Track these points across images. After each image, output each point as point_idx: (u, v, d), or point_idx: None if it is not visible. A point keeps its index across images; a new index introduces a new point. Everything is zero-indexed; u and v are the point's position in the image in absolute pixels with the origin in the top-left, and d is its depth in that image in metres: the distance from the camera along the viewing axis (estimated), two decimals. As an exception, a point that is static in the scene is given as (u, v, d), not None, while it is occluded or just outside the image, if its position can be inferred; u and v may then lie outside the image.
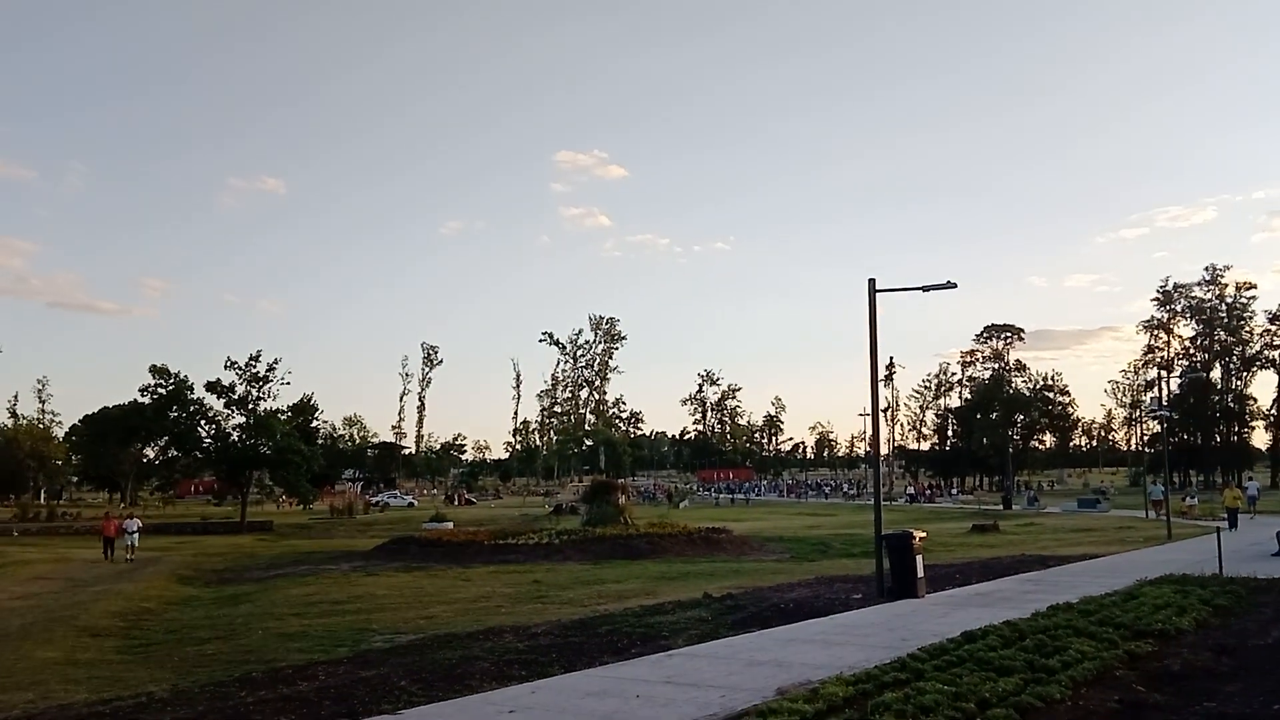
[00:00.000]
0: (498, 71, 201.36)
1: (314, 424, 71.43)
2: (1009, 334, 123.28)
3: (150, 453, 72.13)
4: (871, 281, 17.31)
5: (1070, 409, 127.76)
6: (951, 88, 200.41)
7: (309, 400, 67.59)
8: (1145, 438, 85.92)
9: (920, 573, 16.17)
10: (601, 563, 27.36)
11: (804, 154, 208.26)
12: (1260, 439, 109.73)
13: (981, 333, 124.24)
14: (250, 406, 61.57)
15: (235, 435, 61.86)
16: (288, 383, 69.51)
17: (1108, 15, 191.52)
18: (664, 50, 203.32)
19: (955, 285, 17.01)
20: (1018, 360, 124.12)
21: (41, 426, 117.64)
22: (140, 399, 64.08)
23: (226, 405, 61.52)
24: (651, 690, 8.97)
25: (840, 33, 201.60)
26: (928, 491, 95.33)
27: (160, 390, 60.98)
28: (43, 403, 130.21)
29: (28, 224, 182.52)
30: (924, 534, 17.45)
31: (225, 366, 61.46)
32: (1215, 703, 7.86)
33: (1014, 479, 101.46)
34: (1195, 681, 8.73)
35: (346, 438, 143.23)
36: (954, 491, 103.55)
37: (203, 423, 62.30)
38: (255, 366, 61.59)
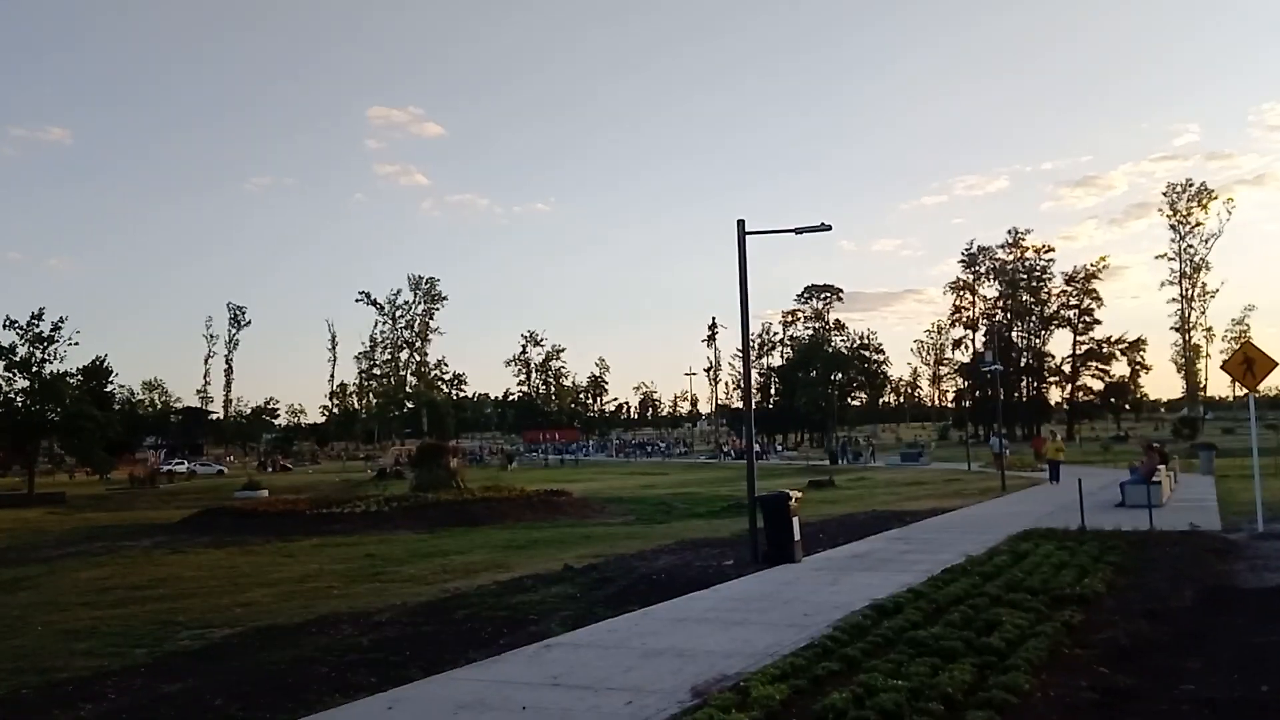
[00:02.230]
0: (305, 21, 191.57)
1: (109, 388, 66.23)
2: (828, 294, 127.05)
3: (-81, 420, 64.69)
4: (740, 223, 16.04)
5: (885, 367, 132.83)
6: (777, 68, 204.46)
7: (102, 362, 62.75)
8: (952, 394, 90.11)
9: (797, 535, 15.15)
10: (438, 531, 25.56)
11: (621, 115, 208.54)
12: (1056, 394, 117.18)
13: (802, 293, 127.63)
14: (34, 369, 56.03)
15: (19, 400, 56.24)
16: (76, 344, 63.83)
17: (913, 4, 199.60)
18: (482, 5, 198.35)
19: (830, 228, 15.95)
20: (837, 320, 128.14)
21: None
22: (-96, 360, 57.32)
23: (7, 368, 55.87)
24: (539, 698, 7.36)
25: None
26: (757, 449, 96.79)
27: (-72, 350, 54.65)
28: None
29: None
30: (800, 493, 16.42)
31: (3, 326, 55.66)
32: (1193, 685, 6.93)
33: (838, 435, 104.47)
34: (1152, 657, 7.84)
35: (147, 403, 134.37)
36: (779, 448, 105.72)
37: (-19, 387, 56.36)
38: (38, 326, 55.99)
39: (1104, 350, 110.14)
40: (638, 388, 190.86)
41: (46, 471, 63.72)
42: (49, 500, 53.06)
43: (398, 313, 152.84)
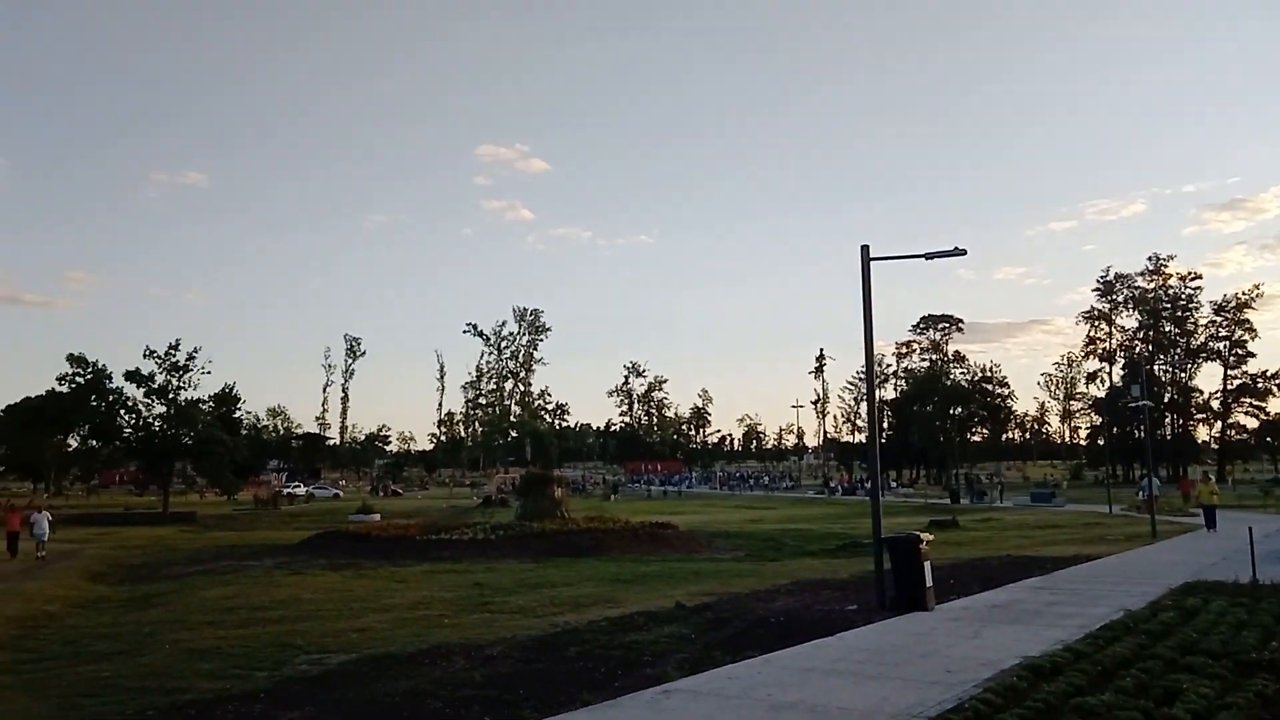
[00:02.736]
0: (419, 66, 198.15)
1: (237, 414, 68.86)
2: (947, 325, 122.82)
3: (73, 442, 68.73)
4: (864, 249, 15.31)
5: (1009, 401, 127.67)
6: (879, 84, 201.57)
7: (231, 390, 65.32)
8: (1086, 431, 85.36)
9: (929, 581, 14.22)
10: (543, 561, 25.23)
11: (726, 149, 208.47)
12: (1204, 432, 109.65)
13: (918, 323, 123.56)
14: (171, 396, 58.72)
15: (157, 425, 58.91)
16: (208, 372, 66.83)
17: (1037, 10, 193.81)
18: (586, 45, 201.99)
19: (964, 252, 15.08)
20: (957, 351, 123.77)
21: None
22: (58, 388, 60.96)
23: (146, 395, 58.72)
24: (662, 752, 6.81)
25: (765, 32, 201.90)
26: (867, 483, 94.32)
27: (78, 379, 58.01)
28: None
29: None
30: (930, 536, 15.47)
31: (144, 355, 58.64)
32: None
33: (959, 472, 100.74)
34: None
35: (271, 428, 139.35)
36: (893, 484, 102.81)
37: (123, 412, 59.34)
38: (175, 355, 58.82)
39: (1259, 385, 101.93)
40: (741, 419, 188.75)
41: (179, 492, 66.23)
42: (181, 519, 55.11)
43: (503, 343, 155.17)
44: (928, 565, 14.36)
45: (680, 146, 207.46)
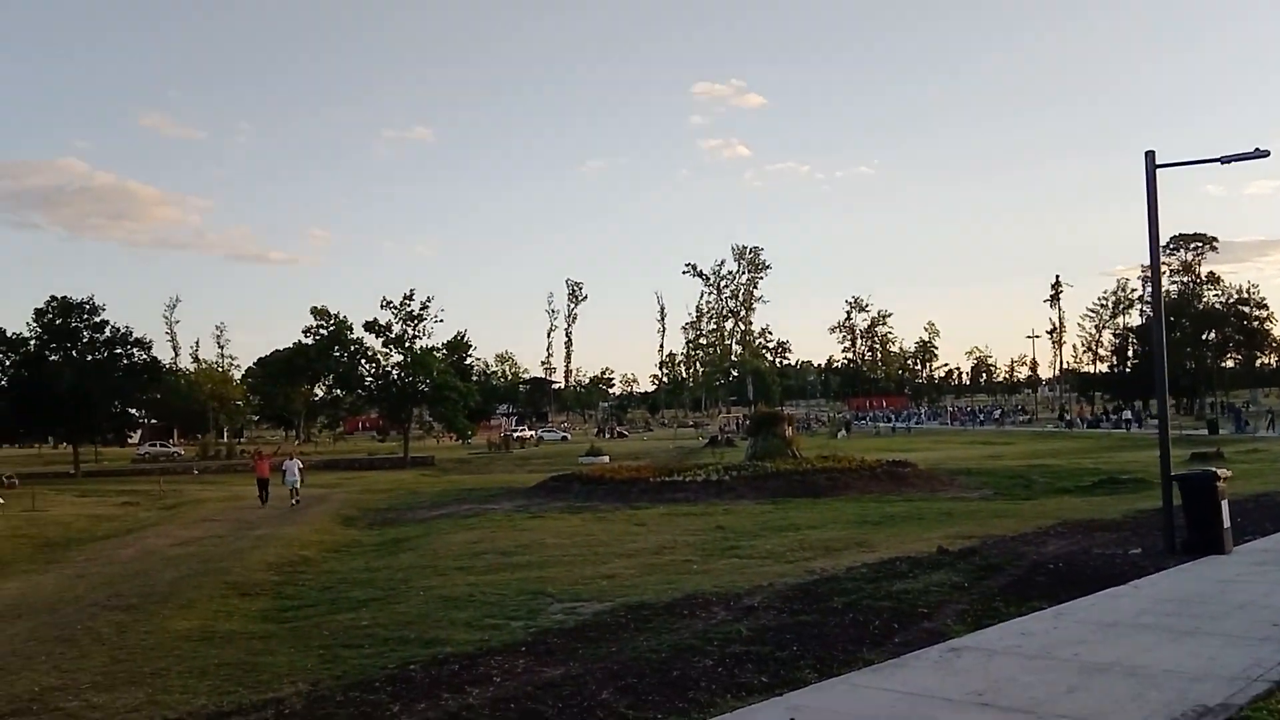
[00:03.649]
0: (632, 6, 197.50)
1: (468, 361, 71.36)
2: (1200, 244, 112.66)
3: (319, 392, 73.63)
4: (1150, 155, 13.59)
5: (1269, 324, 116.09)
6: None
7: (462, 338, 67.46)
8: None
9: (1227, 522, 12.69)
10: (781, 501, 24.75)
11: (948, 64, 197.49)
12: None
13: (1168, 243, 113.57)
14: (407, 345, 61.55)
15: (395, 373, 62.05)
16: (441, 321, 69.91)
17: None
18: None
19: (1267, 153, 13.15)
20: (1210, 273, 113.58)
21: (220, 370, 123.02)
22: (304, 340, 65.05)
23: (385, 344, 61.85)
24: (972, 723, 6.10)
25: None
26: (1113, 415, 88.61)
27: (322, 331, 61.60)
28: (221, 347, 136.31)
29: (203, 182, 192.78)
30: (1228, 472, 13.80)
31: (381, 306, 61.64)
32: None
33: (1214, 400, 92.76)
34: None
35: (499, 374, 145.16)
36: (1129, 415, 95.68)
37: (363, 362, 62.74)
38: (410, 305, 61.44)
39: None
40: (970, 352, 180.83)
41: (417, 437, 70.01)
42: (421, 463, 58.30)
43: (722, 283, 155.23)
44: (1225, 504, 12.83)
45: (899, 71, 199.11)
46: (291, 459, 32.50)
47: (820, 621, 9.56)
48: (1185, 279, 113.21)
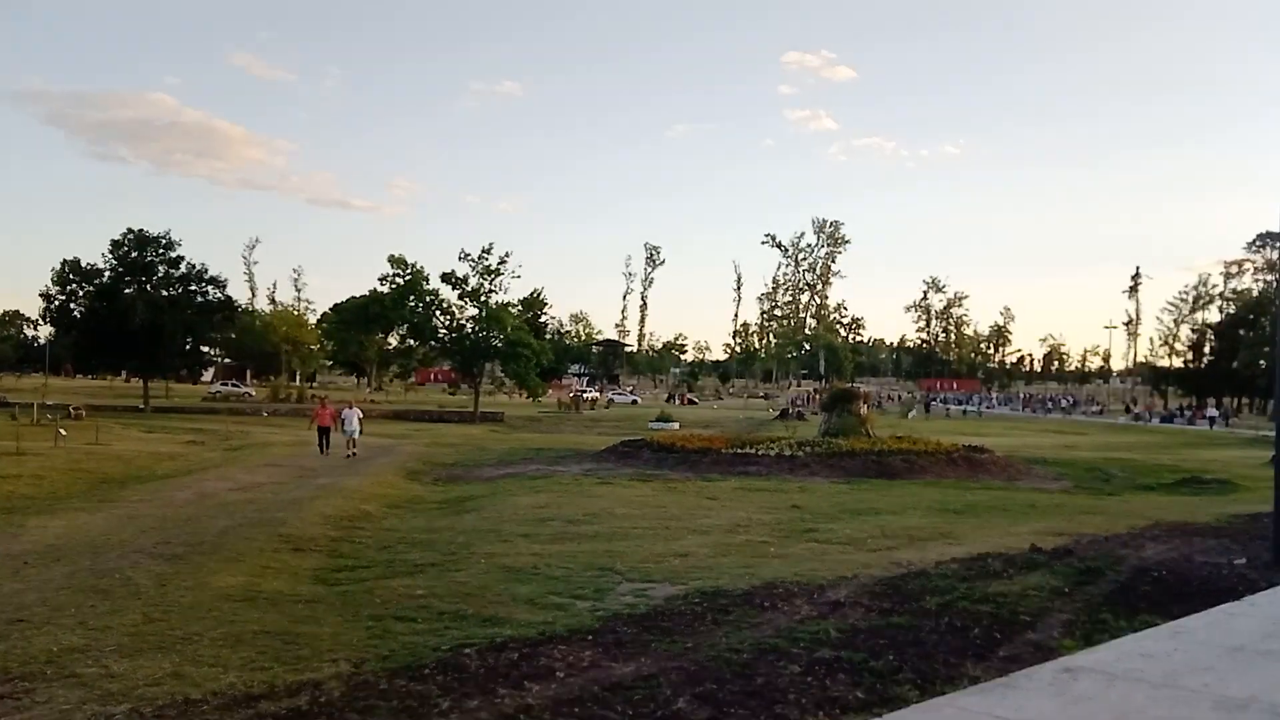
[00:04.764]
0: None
1: (543, 319, 70.93)
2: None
3: (392, 341, 73.99)
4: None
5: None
6: None
7: (538, 295, 66.88)
8: None
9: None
10: (855, 482, 23.99)
11: (1029, 48, 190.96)
12: None
13: (1253, 241, 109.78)
14: (482, 299, 61.27)
15: (469, 327, 61.91)
16: (518, 276, 69.16)
17: None
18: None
19: None
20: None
21: (296, 313, 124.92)
22: (379, 289, 65.03)
23: (460, 297, 61.61)
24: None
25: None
26: (1185, 412, 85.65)
27: (398, 280, 61.47)
28: (298, 291, 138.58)
29: (289, 125, 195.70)
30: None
31: (459, 258, 61.28)
32: None
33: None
34: None
35: (573, 334, 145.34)
36: (1215, 413, 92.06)
37: (438, 313, 62.63)
38: (487, 259, 61.04)
39: None
40: (1044, 339, 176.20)
41: (488, 392, 69.98)
42: (490, 419, 58.30)
43: (800, 255, 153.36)
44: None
45: (994, 56, 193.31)
46: (351, 407, 31.23)
47: (914, 625, 8.72)
48: (1270, 277, 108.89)
